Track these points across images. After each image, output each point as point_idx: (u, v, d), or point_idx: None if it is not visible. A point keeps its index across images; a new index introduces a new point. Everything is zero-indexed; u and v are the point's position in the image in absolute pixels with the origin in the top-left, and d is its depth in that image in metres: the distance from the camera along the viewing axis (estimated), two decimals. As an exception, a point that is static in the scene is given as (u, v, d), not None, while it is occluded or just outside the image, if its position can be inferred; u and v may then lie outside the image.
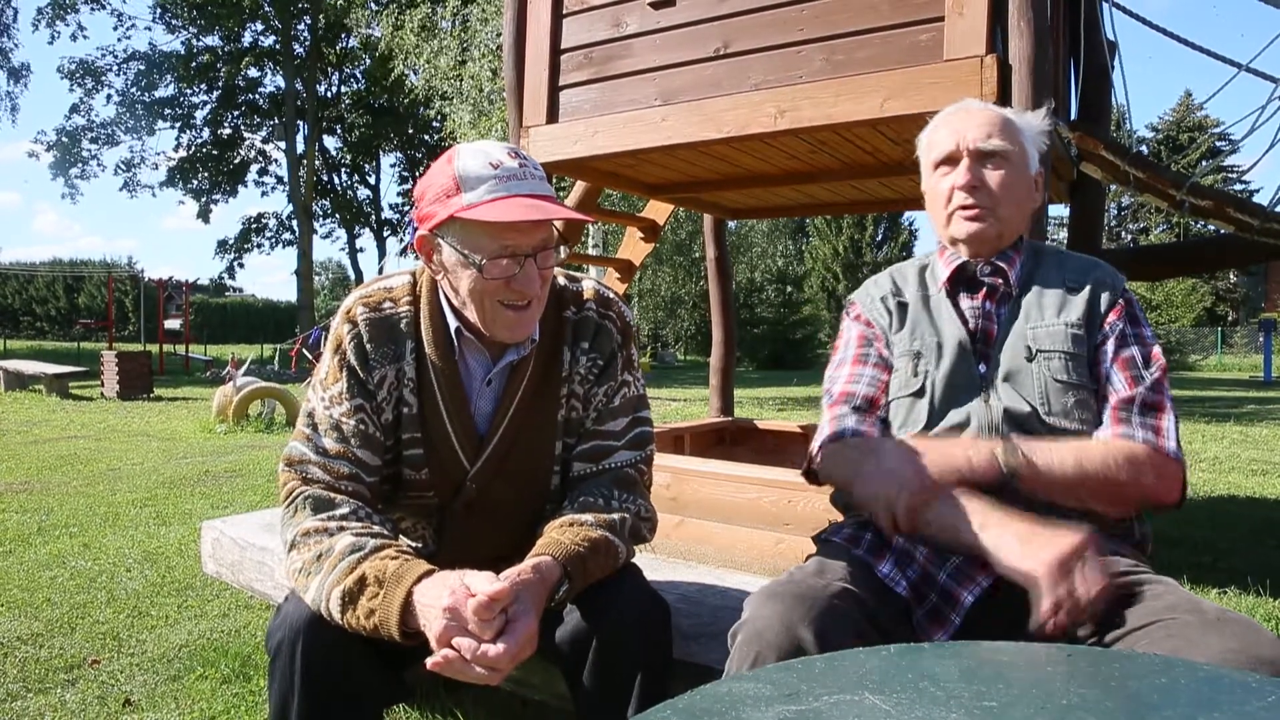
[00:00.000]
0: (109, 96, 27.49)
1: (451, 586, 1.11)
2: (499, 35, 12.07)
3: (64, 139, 26.72)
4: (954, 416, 1.32)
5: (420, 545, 1.48)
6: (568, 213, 1.26)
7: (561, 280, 1.45)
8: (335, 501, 1.27)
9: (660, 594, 1.33)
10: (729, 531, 2.42)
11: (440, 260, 1.30)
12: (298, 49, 28.75)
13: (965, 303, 1.40)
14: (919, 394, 1.36)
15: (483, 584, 1.10)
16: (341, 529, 1.23)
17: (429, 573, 1.16)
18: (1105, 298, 1.33)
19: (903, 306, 1.44)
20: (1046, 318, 1.33)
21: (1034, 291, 1.36)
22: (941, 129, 1.41)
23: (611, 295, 1.46)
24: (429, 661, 1.10)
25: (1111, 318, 1.32)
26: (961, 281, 1.41)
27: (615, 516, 1.31)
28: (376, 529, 1.26)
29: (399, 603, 1.12)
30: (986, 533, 1.13)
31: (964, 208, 1.36)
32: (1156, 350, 1.32)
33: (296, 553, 1.23)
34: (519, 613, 1.11)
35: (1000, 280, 1.38)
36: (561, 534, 1.26)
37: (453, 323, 1.35)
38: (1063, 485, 1.19)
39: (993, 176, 1.35)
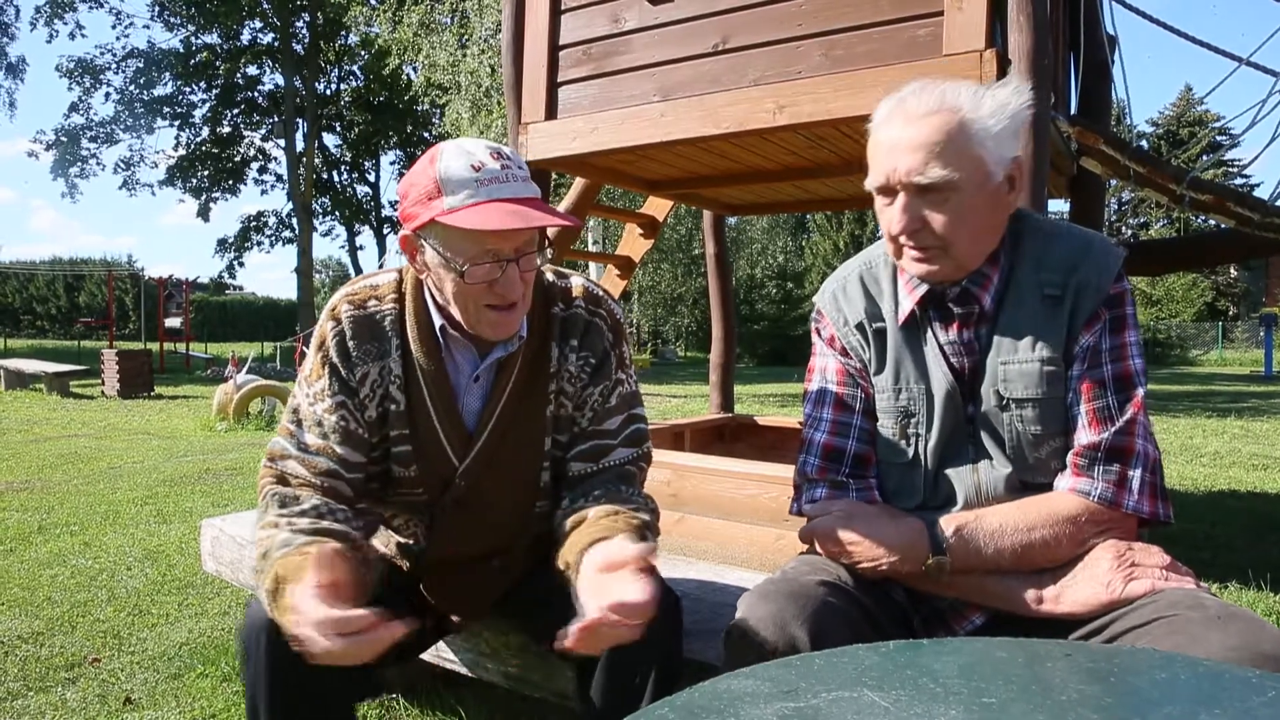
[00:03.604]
0: (108, 95, 27.46)
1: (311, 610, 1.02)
2: (498, 30, 12.05)
3: (63, 138, 26.70)
4: (954, 482, 1.22)
5: (411, 542, 1.48)
6: (550, 218, 1.22)
7: (549, 276, 1.43)
8: (299, 498, 1.26)
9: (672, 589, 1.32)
10: (729, 528, 2.41)
11: (424, 260, 1.29)
12: (296, 46, 28.68)
13: (941, 335, 1.22)
14: (912, 464, 1.24)
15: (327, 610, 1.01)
16: (290, 525, 1.21)
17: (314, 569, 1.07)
18: (1085, 310, 1.15)
19: (880, 335, 1.26)
20: (1020, 351, 1.16)
21: (1008, 312, 1.18)
22: (875, 148, 1.19)
23: (600, 292, 1.44)
24: (570, 639, 1.02)
25: (1084, 336, 1.15)
26: (931, 307, 1.23)
27: (642, 511, 1.31)
28: (325, 524, 1.23)
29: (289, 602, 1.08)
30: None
31: (910, 248, 1.17)
32: (1133, 366, 1.14)
33: (256, 550, 1.23)
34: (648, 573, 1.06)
35: (975, 306, 1.20)
36: (614, 521, 1.24)
37: (438, 320, 1.34)
38: (999, 567, 1.14)
39: (935, 217, 1.13)
